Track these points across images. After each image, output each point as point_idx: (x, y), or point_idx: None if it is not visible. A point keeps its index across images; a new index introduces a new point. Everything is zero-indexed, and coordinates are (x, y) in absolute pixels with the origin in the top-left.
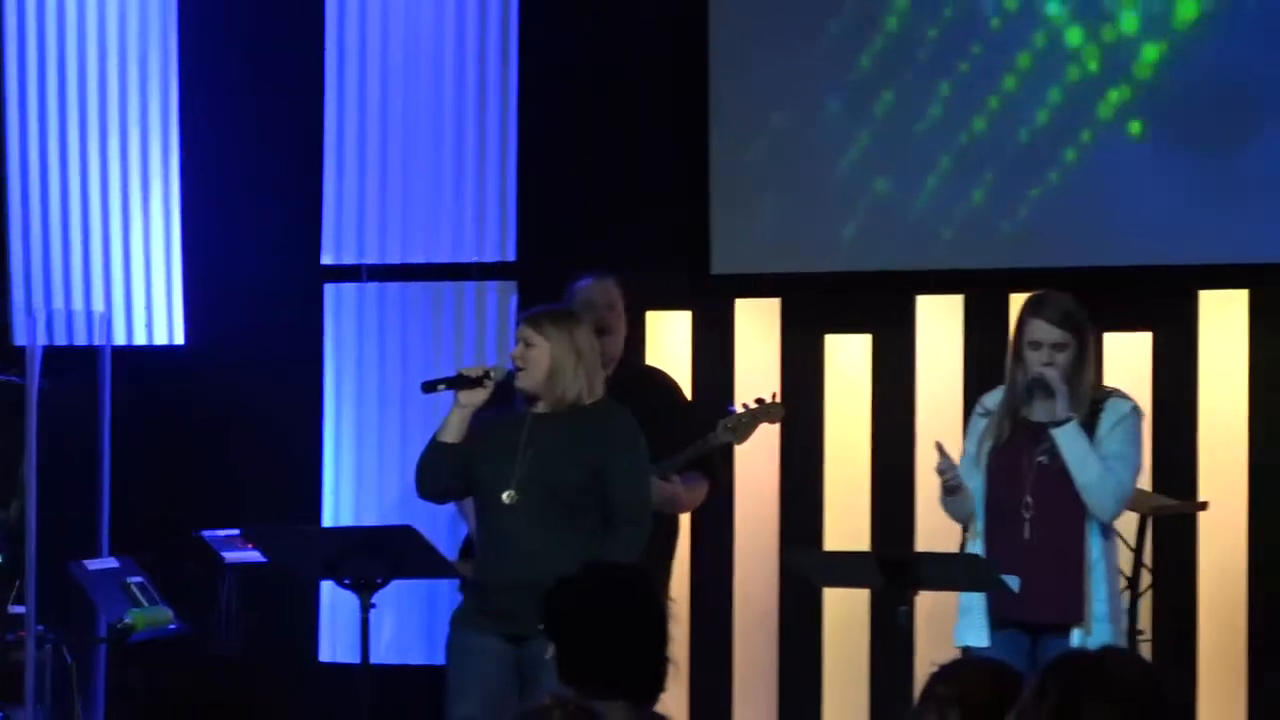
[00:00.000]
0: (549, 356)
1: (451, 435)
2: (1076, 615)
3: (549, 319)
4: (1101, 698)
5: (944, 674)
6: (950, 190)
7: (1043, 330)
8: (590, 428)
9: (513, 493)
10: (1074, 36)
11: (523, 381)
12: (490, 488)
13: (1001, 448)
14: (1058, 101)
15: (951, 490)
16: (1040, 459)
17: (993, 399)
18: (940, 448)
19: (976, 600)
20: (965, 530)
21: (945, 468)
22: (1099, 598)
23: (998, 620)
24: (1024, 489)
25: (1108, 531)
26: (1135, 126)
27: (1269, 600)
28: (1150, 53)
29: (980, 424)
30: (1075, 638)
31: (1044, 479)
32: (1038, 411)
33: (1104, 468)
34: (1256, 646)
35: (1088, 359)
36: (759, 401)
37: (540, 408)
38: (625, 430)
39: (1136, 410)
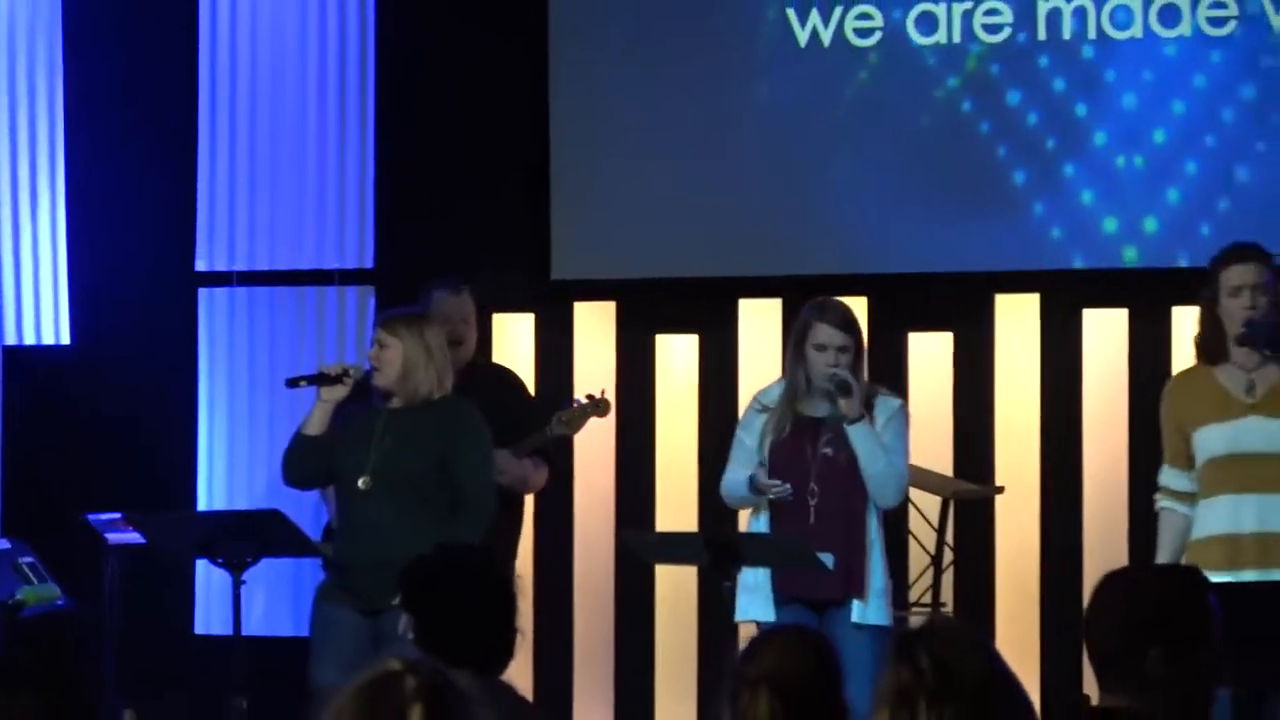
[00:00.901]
0: (402, 356)
1: (314, 428)
2: (858, 590)
3: (402, 322)
4: (971, 654)
5: (748, 654)
6: (769, 199)
7: (828, 334)
8: (439, 421)
9: (368, 479)
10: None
11: (379, 380)
12: (348, 476)
13: (784, 441)
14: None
15: (778, 499)
16: (825, 451)
17: (769, 395)
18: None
19: (761, 578)
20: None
21: (783, 492)
22: (876, 574)
23: (783, 597)
24: (809, 478)
25: (882, 515)
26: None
27: (1058, 574)
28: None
29: (759, 419)
30: (855, 610)
31: (827, 469)
32: (818, 408)
33: (889, 460)
34: (1047, 617)
35: (862, 360)
36: (589, 397)
37: (394, 403)
38: (471, 423)
39: (904, 406)
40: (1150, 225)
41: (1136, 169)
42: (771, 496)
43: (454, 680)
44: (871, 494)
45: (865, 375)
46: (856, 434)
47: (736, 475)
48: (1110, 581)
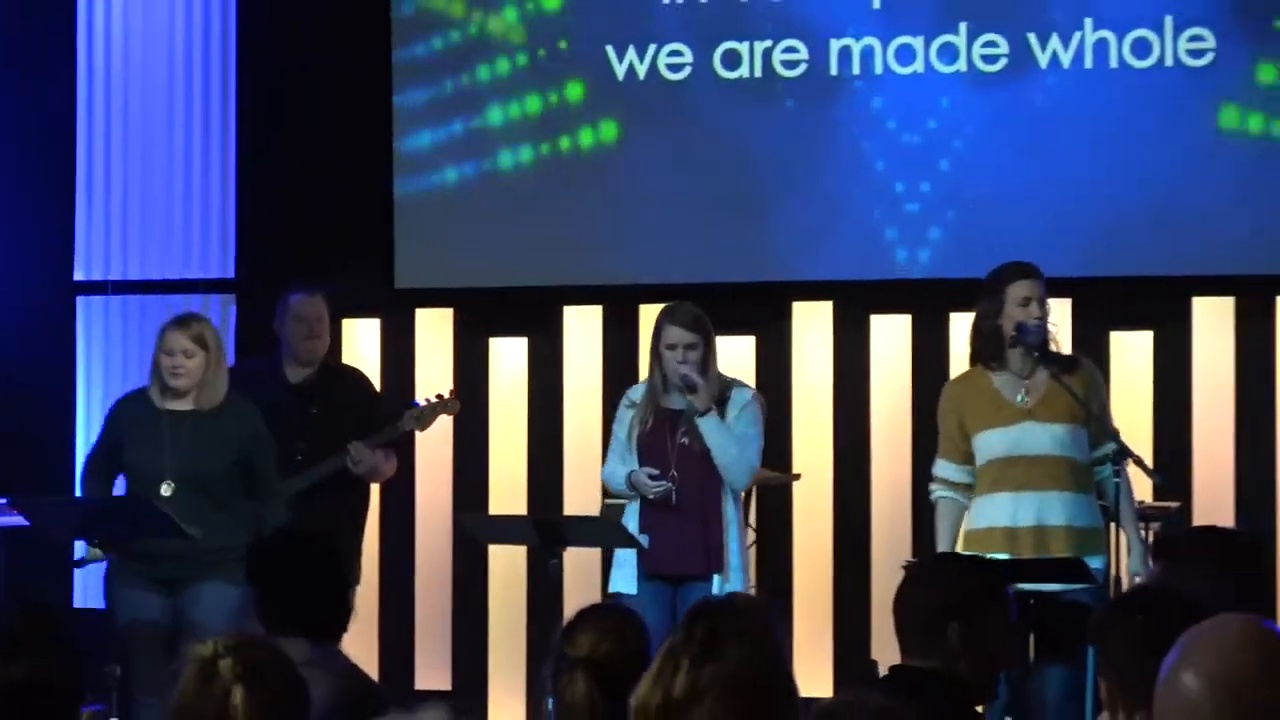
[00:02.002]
0: (205, 364)
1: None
2: (718, 566)
3: (206, 331)
4: (736, 631)
5: (567, 633)
6: (592, 215)
7: (677, 334)
8: (234, 424)
9: (170, 484)
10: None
11: (181, 384)
12: (148, 479)
13: (648, 432)
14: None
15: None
16: (682, 440)
17: (636, 393)
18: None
19: (629, 555)
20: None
21: (663, 492)
22: (733, 551)
23: (646, 573)
24: (670, 465)
25: (738, 499)
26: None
27: (849, 554)
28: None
29: (628, 414)
30: (716, 584)
31: (685, 456)
32: (676, 401)
33: (739, 448)
34: (839, 591)
35: (713, 355)
36: (439, 396)
37: (178, 404)
38: (263, 425)
39: (756, 397)
40: (931, 240)
41: (921, 192)
42: (650, 496)
43: (276, 651)
44: (725, 478)
45: (716, 370)
46: (706, 425)
47: (614, 468)
48: (918, 570)
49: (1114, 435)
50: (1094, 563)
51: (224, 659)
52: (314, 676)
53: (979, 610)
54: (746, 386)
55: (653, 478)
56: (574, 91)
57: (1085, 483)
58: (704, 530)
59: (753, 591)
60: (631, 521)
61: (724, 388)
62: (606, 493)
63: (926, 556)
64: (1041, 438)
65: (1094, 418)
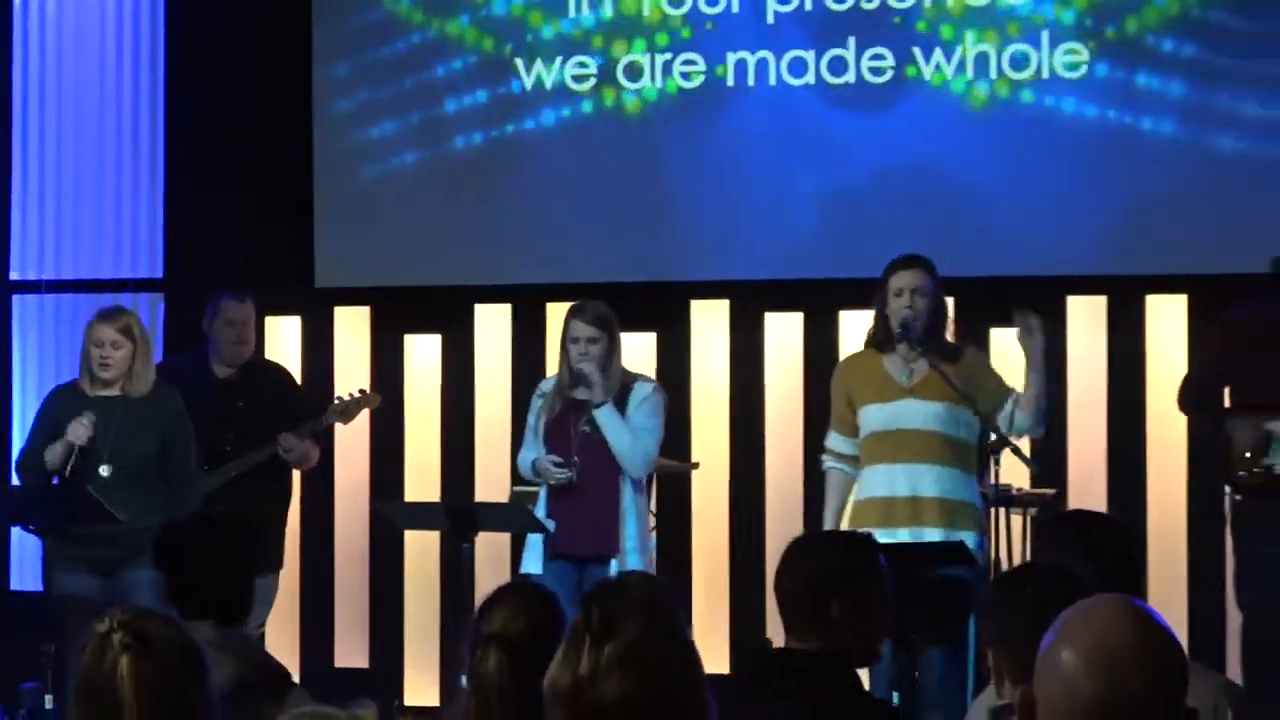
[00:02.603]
0: (132, 355)
1: (57, 466)
2: (614, 549)
3: (133, 323)
4: (630, 612)
5: (482, 611)
6: (501, 218)
7: (579, 329)
8: (158, 409)
9: (109, 466)
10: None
11: (110, 375)
12: (87, 463)
13: (554, 421)
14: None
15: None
16: (584, 429)
17: (548, 384)
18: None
19: (537, 538)
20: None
21: (564, 478)
22: (630, 535)
23: (551, 554)
24: (572, 451)
25: (638, 485)
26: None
27: (744, 538)
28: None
29: (538, 404)
30: (613, 566)
31: (586, 444)
32: (581, 392)
33: (634, 437)
34: (735, 574)
35: (616, 350)
36: (361, 391)
37: (104, 392)
38: (183, 411)
39: (658, 390)
40: (823, 242)
41: (813, 196)
42: (552, 483)
43: (171, 623)
44: (622, 466)
45: (620, 365)
46: (601, 416)
47: (525, 455)
48: (798, 545)
49: (1010, 393)
50: (968, 538)
51: (116, 633)
52: (219, 659)
53: (857, 585)
54: (649, 380)
55: (556, 465)
56: (485, 99)
57: (963, 459)
58: (602, 514)
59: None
60: (540, 506)
61: (627, 381)
62: (516, 480)
63: (803, 536)
64: (919, 413)
65: (985, 396)
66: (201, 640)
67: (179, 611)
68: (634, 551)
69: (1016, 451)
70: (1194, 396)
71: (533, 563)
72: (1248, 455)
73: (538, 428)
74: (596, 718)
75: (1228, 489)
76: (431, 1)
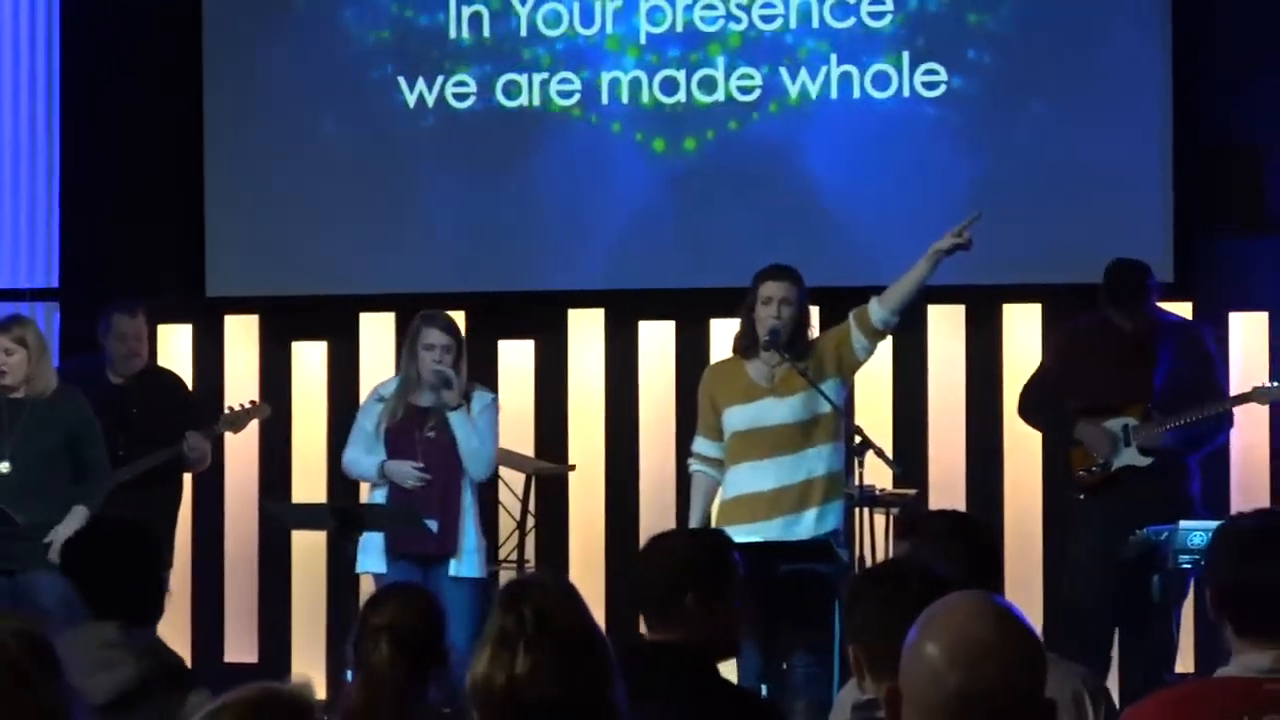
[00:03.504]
0: (28, 359)
1: None
2: (454, 549)
3: (26, 330)
4: (566, 607)
5: (371, 605)
6: (385, 229)
7: (435, 336)
8: (63, 408)
9: (7, 463)
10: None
11: (10, 380)
12: None
13: (397, 425)
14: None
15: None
16: (429, 434)
17: (387, 388)
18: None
19: (376, 538)
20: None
21: (420, 480)
22: (469, 535)
23: (395, 553)
24: (417, 456)
25: (475, 487)
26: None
27: (619, 537)
28: None
29: (377, 407)
30: (452, 566)
31: (430, 448)
32: (425, 398)
33: (481, 442)
34: (610, 572)
35: (463, 359)
36: (252, 403)
37: (16, 395)
38: (89, 410)
39: (495, 399)
40: (694, 253)
41: (683, 209)
42: (409, 485)
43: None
44: (467, 469)
45: (465, 373)
46: (456, 420)
47: (357, 457)
48: (654, 541)
49: (846, 322)
50: (836, 510)
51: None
52: (121, 658)
53: (709, 576)
54: (486, 389)
55: (418, 469)
56: (368, 114)
57: (825, 434)
58: (445, 516)
59: (513, 570)
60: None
61: (469, 389)
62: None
63: (656, 534)
64: (778, 410)
65: (831, 354)
66: (104, 640)
67: (93, 613)
68: (472, 551)
69: (880, 453)
70: (1034, 402)
71: (374, 562)
72: (1095, 456)
73: (378, 432)
74: (524, 717)
75: (1070, 490)
76: (319, 19)
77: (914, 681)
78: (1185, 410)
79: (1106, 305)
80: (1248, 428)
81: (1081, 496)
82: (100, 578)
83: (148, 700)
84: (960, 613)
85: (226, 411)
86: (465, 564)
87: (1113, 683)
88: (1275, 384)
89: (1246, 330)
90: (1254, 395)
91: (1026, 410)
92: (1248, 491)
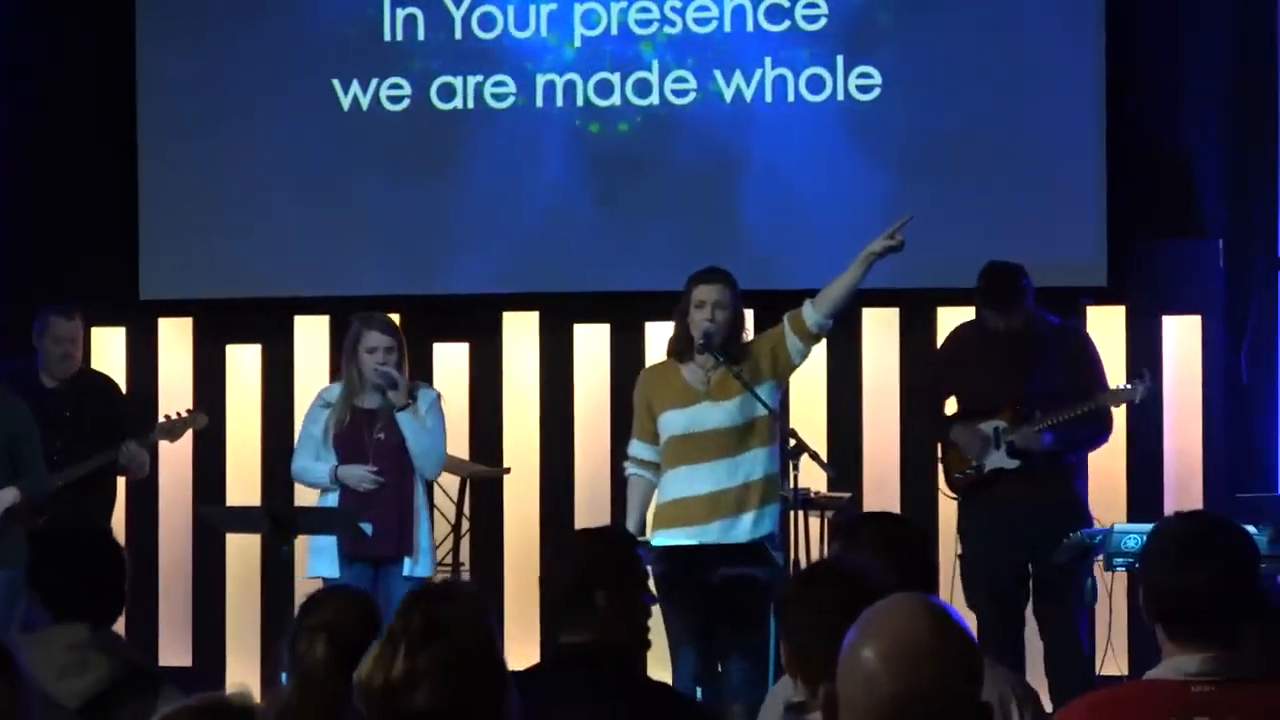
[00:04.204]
0: None
1: None
2: (409, 549)
3: None
4: (453, 618)
5: (308, 606)
6: (319, 232)
7: (376, 338)
8: (2, 413)
9: None
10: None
11: None
12: None
13: (345, 429)
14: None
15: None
16: (378, 435)
17: (331, 393)
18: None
19: (329, 541)
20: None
21: (375, 482)
22: (423, 535)
23: (348, 557)
24: (368, 458)
25: (428, 488)
26: None
27: (554, 539)
28: None
29: (323, 413)
30: (406, 566)
31: (381, 450)
32: (370, 400)
33: (431, 440)
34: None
35: (405, 359)
36: (189, 411)
37: None
38: (28, 413)
39: (440, 397)
40: (628, 256)
41: (619, 211)
42: (363, 489)
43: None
44: (418, 468)
45: (408, 372)
46: (404, 419)
47: (307, 464)
48: (559, 544)
49: (781, 326)
50: (772, 513)
51: None
52: (94, 660)
53: (619, 574)
54: (431, 387)
55: (374, 472)
56: (304, 117)
57: (761, 438)
58: (399, 517)
59: (449, 572)
60: None
61: (412, 387)
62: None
63: (564, 536)
64: (714, 415)
65: (766, 355)
66: (73, 642)
67: (53, 615)
68: (425, 552)
69: (815, 457)
70: (918, 403)
71: (326, 565)
72: (968, 458)
73: (326, 438)
74: None
75: (947, 491)
76: (254, 22)
77: (851, 685)
78: (1055, 412)
79: (982, 308)
80: (1181, 430)
81: (960, 498)
82: (68, 580)
83: (121, 702)
84: (897, 616)
85: (163, 419)
86: (420, 564)
87: (1042, 686)
88: (1128, 386)
89: (1180, 334)
90: (1104, 398)
91: (912, 413)
92: (1181, 494)
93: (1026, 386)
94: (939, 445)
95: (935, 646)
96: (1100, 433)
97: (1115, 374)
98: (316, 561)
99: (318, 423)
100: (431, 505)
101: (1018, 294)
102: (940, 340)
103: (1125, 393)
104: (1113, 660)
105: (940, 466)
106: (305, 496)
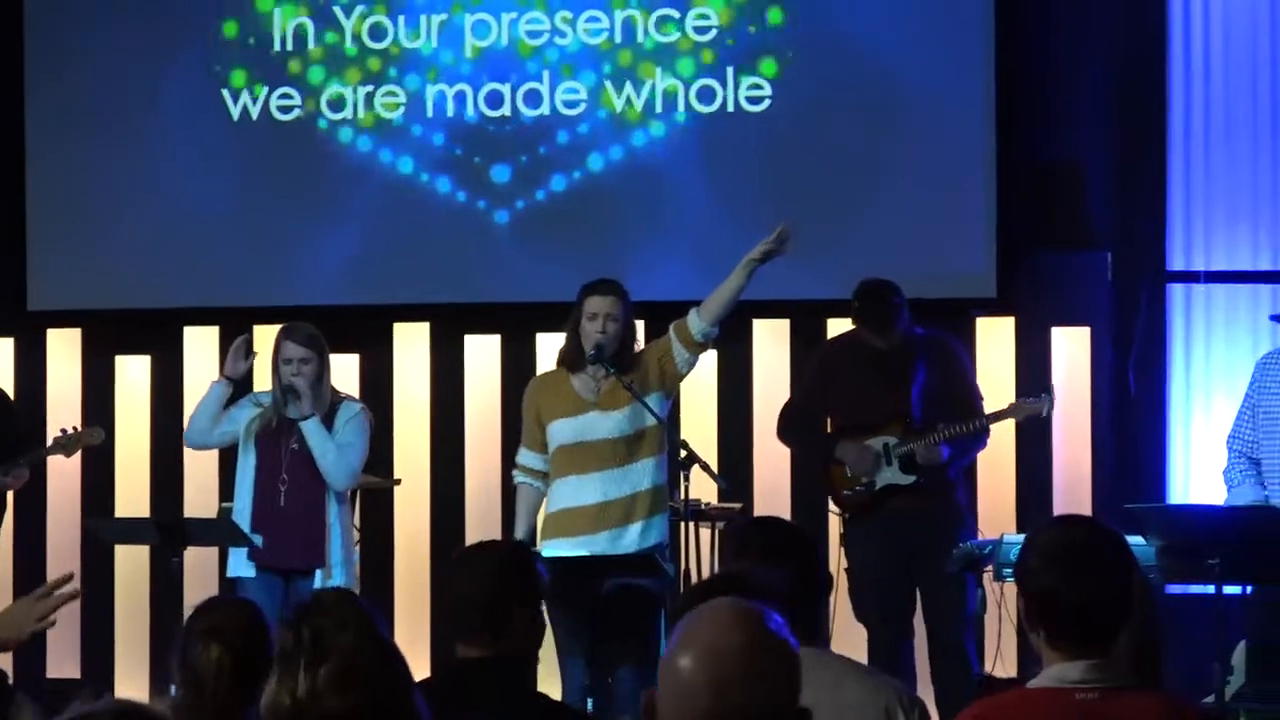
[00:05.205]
0: None
1: None
2: (319, 561)
3: None
4: (339, 628)
5: (197, 614)
6: (207, 243)
7: (293, 349)
8: None
9: None
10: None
11: None
12: None
13: (267, 435)
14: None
15: None
16: (293, 446)
17: (264, 397)
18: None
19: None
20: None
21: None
22: (335, 548)
23: (259, 566)
24: (282, 467)
25: (342, 499)
26: None
27: (445, 551)
28: None
29: (248, 408)
30: (318, 578)
31: (295, 461)
32: (293, 411)
33: (340, 452)
34: (436, 586)
35: (327, 369)
36: (76, 428)
37: None
38: None
39: (364, 410)
40: (519, 267)
41: (508, 222)
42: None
43: None
44: (326, 480)
45: (330, 384)
46: (307, 429)
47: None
48: (466, 559)
49: (668, 335)
50: (661, 522)
51: None
52: None
53: (530, 589)
54: (356, 401)
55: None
56: (191, 125)
57: (650, 448)
58: (309, 528)
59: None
60: (245, 518)
61: (336, 401)
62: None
63: (467, 551)
64: (603, 424)
65: (654, 365)
66: None
67: None
68: (339, 565)
69: (706, 468)
70: (792, 423)
71: (244, 566)
72: (858, 475)
73: (247, 434)
74: None
75: (834, 509)
76: (143, 32)
77: (671, 696)
78: (950, 424)
79: (859, 324)
80: (1069, 440)
81: (847, 516)
82: None
83: None
84: (711, 621)
85: (59, 434)
86: (335, 577)
87: (928, 695)
88: (1033, 399)
89: (1069, 345)
90: (1011, 411)
91: (784, 430)
92: (1070, 505)
93: (910, 399)
94: (825, 465)
95: (747, 649)
96: (983, 442)
97: (1005, 385)
98: (236, 562)
99: (244, 410)
100: (350, 518)
101: (894, 312)
102: None
103: (1033, 405)
104: (1001, 668)
105: (826, 485)
106: (194, 507)
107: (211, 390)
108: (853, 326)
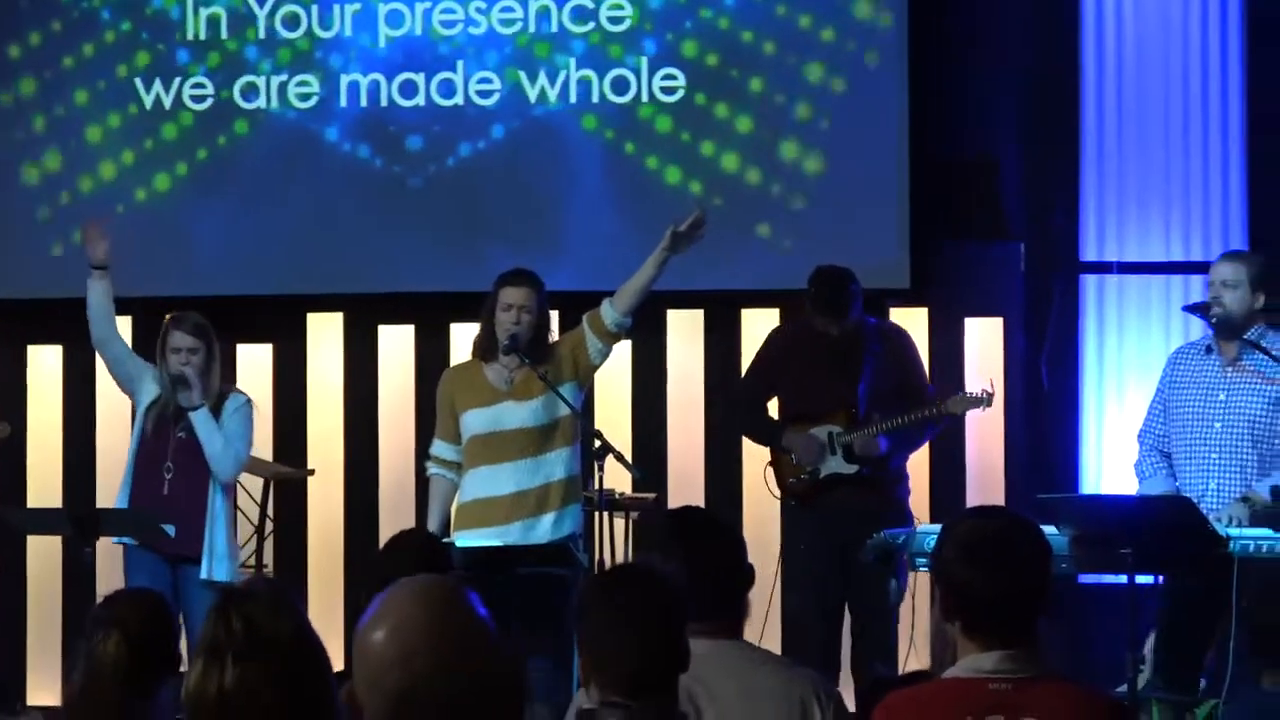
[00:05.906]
0: None
1: None
2: (199, 549)
3: None
4: (270, 619)
5: (107, 603)
6: (131, 233)
7: (181, 339)
8: None
9: None
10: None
11: None
12: None
13: (159, 421)
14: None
15: None
16: (180, 434)
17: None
18: None
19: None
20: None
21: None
22: (220, 539)
23: (141, 545)
24: (167, 455)
25: (227, 490)
26: None
27: (359, 540)
28: None
29: (154, 388)
30: (203, 569)
31: (181, 449)
32: (182, 399)
33: (227, 442)
34: (349, 575)
35: (215, 359)
36: None
37: None
38: None
39: (250, 402)
40: (432, 256)
41: (418, 213)
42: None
43: None
44: (212, 469)
45: (217, 374)
46: (197, 419)
47: None
48: (385, 551)
49: (581, 326)
50: (574, 513)
51: None
52: None
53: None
54: (242, 393)
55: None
56: (113, 116)
57: (563, 438)
58: (191, 517)
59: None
60: (123, 502)
61: (223, 391)
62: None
63: (391, 541)
64: (517, 414)
65: (568, 356)
66: None
67: None
68: (221, 557)
69: (619, 457)
70: (739, 410)
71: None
72: (803, 464)
73: (145, 421)
74: None
75: (780, 497)
76: (53, 13)
77: (363, 670)
78: (888, 416)
79: (812, 313)
80: (982, 431)
81: (793, 503)
82: None
83: None
84: (402, 596)
85: None
86: (217, 567)
87: (845, 686)
88: (974, 393)
89: (982, 335)
90: (950, 404)
91: (730, 420)
92: (983, 496)
93: (857, 389)
94: (770, 452)
95: (431, 623)
96: (930, 433)
97: None
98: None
99: (144, 380)
100: (233, 509)
101: (850, 299)
102: (745, 342)
103: (973, 400)
104: (915, 659)
105: (771, 473)
106: (107, 498)
107: (91, 289)
108: (804, 313)
